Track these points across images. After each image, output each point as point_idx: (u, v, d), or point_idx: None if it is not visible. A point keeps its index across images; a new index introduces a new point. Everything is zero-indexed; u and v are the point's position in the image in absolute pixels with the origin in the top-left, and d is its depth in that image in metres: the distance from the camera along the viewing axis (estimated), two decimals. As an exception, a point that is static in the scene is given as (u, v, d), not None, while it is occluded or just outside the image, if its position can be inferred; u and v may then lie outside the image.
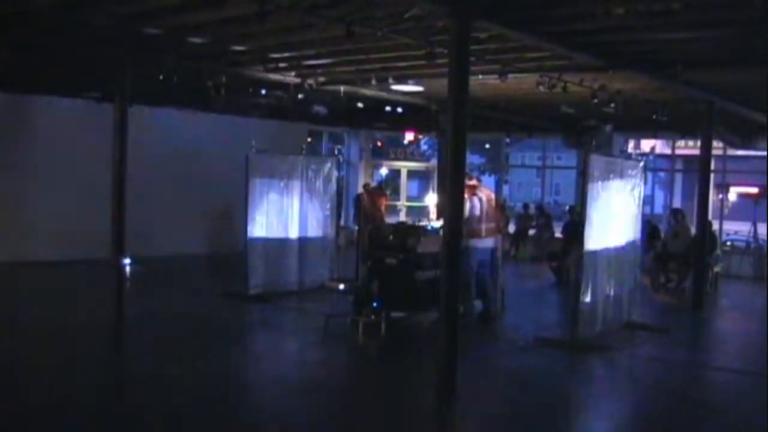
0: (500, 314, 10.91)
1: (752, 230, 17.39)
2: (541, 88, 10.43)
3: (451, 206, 7.19)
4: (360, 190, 18.47)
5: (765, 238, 17.23)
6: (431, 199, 14.05)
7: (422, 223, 11.13)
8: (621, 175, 9.89)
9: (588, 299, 9.20)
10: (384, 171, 22.66)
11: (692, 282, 12.99)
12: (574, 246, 11.10)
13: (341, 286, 12.00)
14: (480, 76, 10.08)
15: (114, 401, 6.92)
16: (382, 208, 13.87)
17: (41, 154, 14.75)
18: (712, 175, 15.86)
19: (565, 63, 9.77)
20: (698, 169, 13.81)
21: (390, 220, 15.55)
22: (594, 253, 9.28)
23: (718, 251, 15.32)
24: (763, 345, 9.31)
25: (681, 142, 22.60)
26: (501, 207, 12.15)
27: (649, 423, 6.95)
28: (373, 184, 18.89)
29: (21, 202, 14.62)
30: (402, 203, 22.27)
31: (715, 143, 14.80)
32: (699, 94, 11.84)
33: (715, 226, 16.19)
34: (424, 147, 25.32)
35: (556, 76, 10.26)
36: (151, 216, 15.12)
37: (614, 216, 9.74)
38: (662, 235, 15.56)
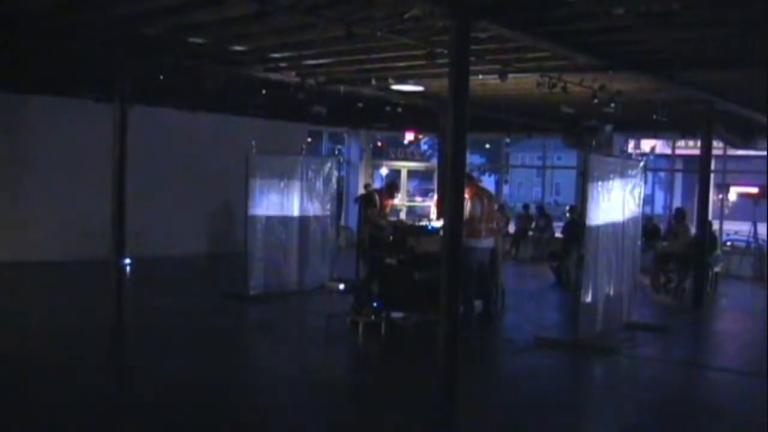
0: (500, 314, 10.92)
1: (752, 230, 17.38)
2: (541, 88, 10.42)
3: (451, 206, 7.17)
4: (361, 190, 18.37)
5: (765, 238, 17.22)
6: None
7: (422, 223, 11.12)
8: (621, 175, 9.89)
9: (588, 299, 9.20)
10: (384, 171, 22.63)
11: (692, 282, 12.99)
12: (574, 246, 11.10)
13: (341, 286, 11.99)
14: (480, 76, 10.07)
15: (114, 402, 6.91)
16: (387, 209, 13.67)
17: (41, 155, 14.75)
18: (712, 175, 15.85)
19: (565, 63, 9.75)
20: (698, 169, 13.81)
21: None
22: (594, 252, 9.28)
23: (718, 251, 15.30)
24: (763, 345, 9.32)
25: (681, 142, 22.60)
26: (501, 207, 12.15)
27: (649, 423, 6.94)
28: (374, 185, 18.76)
29: (21, 202, 14.61)
30: (402, 203, 22.25)
31: (715, 143, 14.79)
32: (699, 94, 11.83)
33: (715, 226, 16.18)
34: (424, 147, 25.32)
35: (556, 76, 10.24)
36: (151, 216, 15.11)
37: (614, 216, 9.74)
38: (662, 235, 15.55)
